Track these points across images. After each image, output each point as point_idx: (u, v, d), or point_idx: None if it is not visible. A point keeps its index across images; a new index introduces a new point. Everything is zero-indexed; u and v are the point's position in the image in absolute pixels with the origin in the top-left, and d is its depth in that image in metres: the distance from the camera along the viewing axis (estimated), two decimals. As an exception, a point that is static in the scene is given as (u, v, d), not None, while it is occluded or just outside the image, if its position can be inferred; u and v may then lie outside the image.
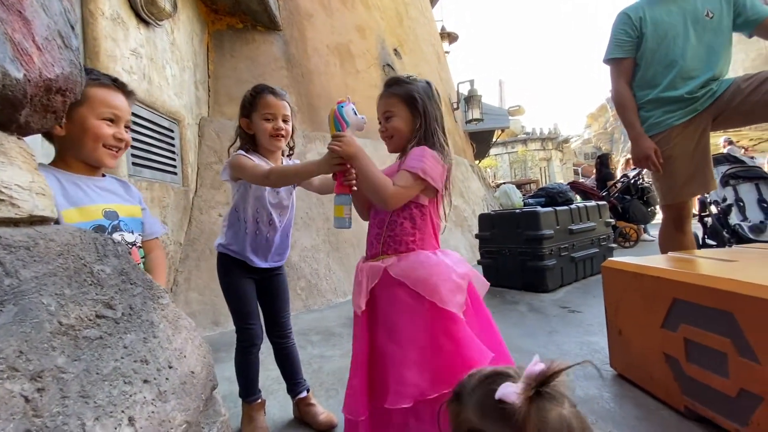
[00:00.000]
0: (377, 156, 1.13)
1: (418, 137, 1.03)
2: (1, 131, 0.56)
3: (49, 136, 0.93)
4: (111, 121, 0.95)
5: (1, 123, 0.56)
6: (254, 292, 1.37)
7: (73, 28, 0.68)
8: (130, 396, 0.49)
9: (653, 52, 1.87)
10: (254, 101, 1.28)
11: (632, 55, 1.92)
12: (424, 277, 0.93)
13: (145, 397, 0.51)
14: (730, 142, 7.44)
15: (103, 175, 1.03)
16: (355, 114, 1.02)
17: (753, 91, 1.68)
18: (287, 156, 1.42)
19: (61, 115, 0.65)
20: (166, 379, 0.57)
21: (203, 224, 3.00)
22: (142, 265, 1.02)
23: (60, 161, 0.95)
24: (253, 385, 1.37)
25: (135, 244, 1.00)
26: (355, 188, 1.02)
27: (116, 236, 0.95)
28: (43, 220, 0.57)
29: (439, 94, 1.10)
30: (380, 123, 1.09)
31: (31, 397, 0.39)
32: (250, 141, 1.31)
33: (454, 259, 1.01)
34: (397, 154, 1.10)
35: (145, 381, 0.53)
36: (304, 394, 1.43)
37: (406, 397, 0.87)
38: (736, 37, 1.84)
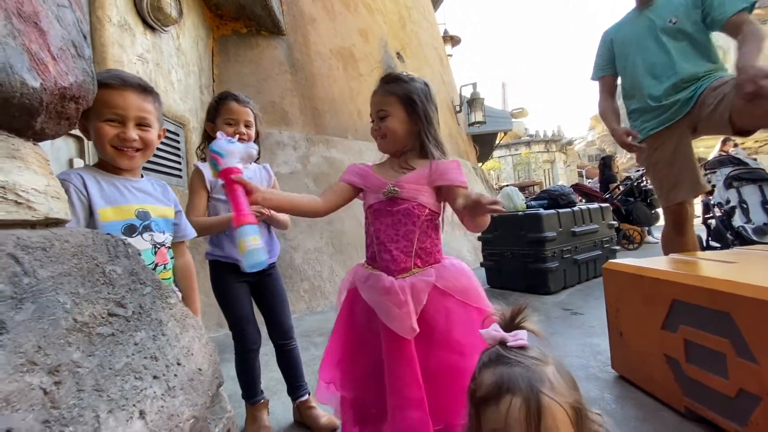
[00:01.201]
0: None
1: (419, 142, 1.00)
2: (18, 137, 0.59)
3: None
4: (116, 121, 0.93)
5: (18, 129, 0.59)
6: (248, 296, 1.38)
7: (85, 37, 0.71)
8: (141, 391, 0.51)
9: (623, 68, 2.03)
10: (218, 107, 1.35)
11: (611, 72, 2.10)
12: (467, 286, 0.94)
13: (155, 392, 0.53)
14: (732, 144, 7.41)
15: (141, 176, 1.05)
16: (231, 143, 0.95)
17: (713, 109, 1.71)
18: (255, 162, 1.42)
19: (74, 121, 0.68)
20: (175, 375, 0.59)
21: (208, 227, 3.03)
22: (171, 265, 1.03)
23: (100, 163, 0.99)
24: (254, 386, 1.39)
25: (164, 245, 1.02)
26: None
27: (146, 236, 0.98)
28: (57, 222, 0.59)
29: (435, 94, 1.06)
30: (372, 120, 1.03)
31: (49, 390, 0.41)
32: None
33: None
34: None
35: (155, 377, 0.56)
36: (305, 397, 1.44)
37: None
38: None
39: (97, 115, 0.92)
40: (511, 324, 0.63)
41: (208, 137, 1.39)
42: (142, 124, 0.97)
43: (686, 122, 1.83)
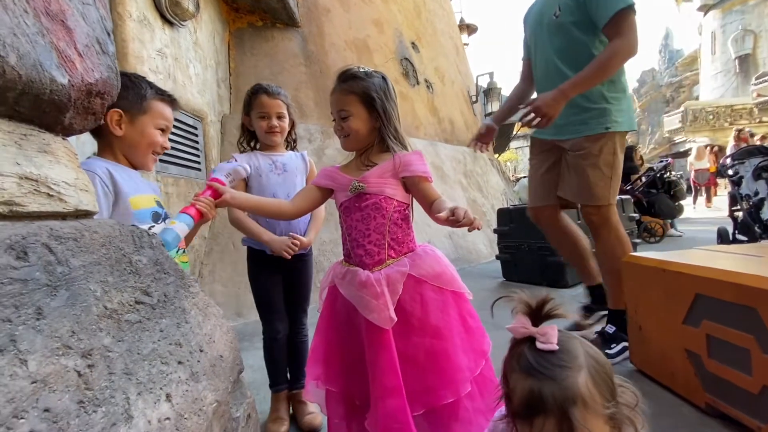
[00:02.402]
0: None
1: (384, 136, 1.01)
2: (48, 132, 0.61)
3: (96, 132, 1.00)
4: (162, 131, 1.05)
5: (49, 125, 0.61)
6: (278, 284, 1.41)
7: (109, 34, 0.73)
8: (167, 375, 0.54)
9: (533, 60, 1.87)
10: (251, 101, 1.38)
11: (527, 56, 1.94)
12: (440, 271, 0.98)
13: (179, 377, 0.56)
14: (749, 134, 7.14)
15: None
16: (228, 162, 1.11)
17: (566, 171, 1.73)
18: (291, 149, 1.49)
19: (100, 116, 0.70)
20: (198, 361, 0.61)
21: (226, 219, 3.10)
22: (184, 251, 1.07)
23: (109, 155, 1.00)
24: (275, 374, 1.43)
25: None
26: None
27: (168, 222, 1.02)
28: (86, 214, 0.62)
29: (393, 88, 1.05)
30: (334, 120, 1.05)
31: (83, 372, 0.43)
32: (251, 136, 1.45)
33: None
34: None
35: (180, 362, 0.58)
36: (299, 390, 1.45)
37: (467, 382, 0.91)
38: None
39: (153, 122, 1.02)
40: (538, 315, 0.62)
41: (246, 130, 1.45)
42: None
43: (559, 147, 1.77)
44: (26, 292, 0.42)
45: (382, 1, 5.26)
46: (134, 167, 1.04)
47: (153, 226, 0.96)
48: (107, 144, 1.00)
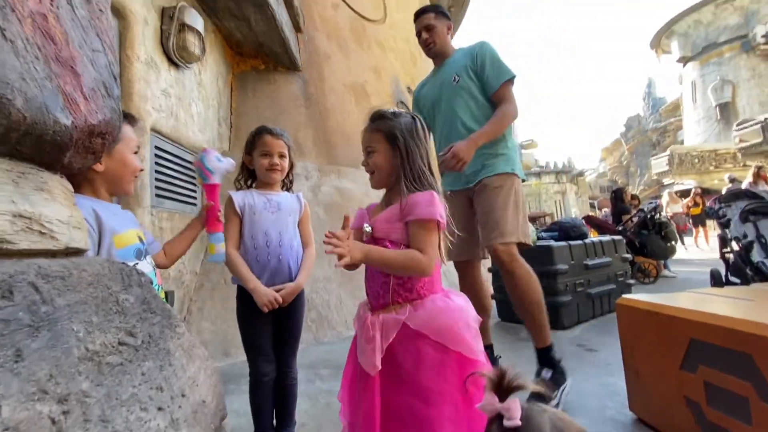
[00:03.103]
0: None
1: (401, 175, 0.99)
2: (47, 171, 0.63)
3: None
4: (135, 152, 1.05)
5: (48, 163, 0.63)
6: (267, 323, 1.38)
7: (115, 79, 0.76)
8: (145, 422, 0.52)
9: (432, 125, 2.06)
10: (254, 140, 1.43)
11: None
12: (446, 325, 0.89)
13: (158, 425, 0.53)
14: (733, 180, 7.30)
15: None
16: (219, 160, 1.13)
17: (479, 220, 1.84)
18: (286, 189, 1.54)
19: (99, 155, 0.72)
20: (179, 407, 0.59)
21: (219, 254, 3.07)
22: (160, 288, 1.05)
23: (89, 191, 0.99)
24: (258, 419, 1.36)
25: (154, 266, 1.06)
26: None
27: (148, 258, 1.02)
28: (77, 252, 0.62)
29: (424, 128, 1.06)
30: (364, 156, 1.08)
31: (57, 419, 0.42)
32: (250, 175, 1.50)
33: (465, 299, 0.98)
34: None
35: (160, 408, 0.56)
36: None
37: None
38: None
39: (128, 148, 1.03)
40: (501, 388, 0.61)
41: (246, 169, 1.49)
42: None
43: (468, 194, 1.92)
44: (7, 332, 0.42)
45: (380, 49, 5.56)
46: (115, 195, 1.05)
47: (136, 264, 0.95)
48: (85, 180, 0.98)
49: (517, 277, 1.75)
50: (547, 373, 1.70)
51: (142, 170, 1.09)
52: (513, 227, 1.76)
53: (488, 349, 1.87)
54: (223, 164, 1.16)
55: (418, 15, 2.01)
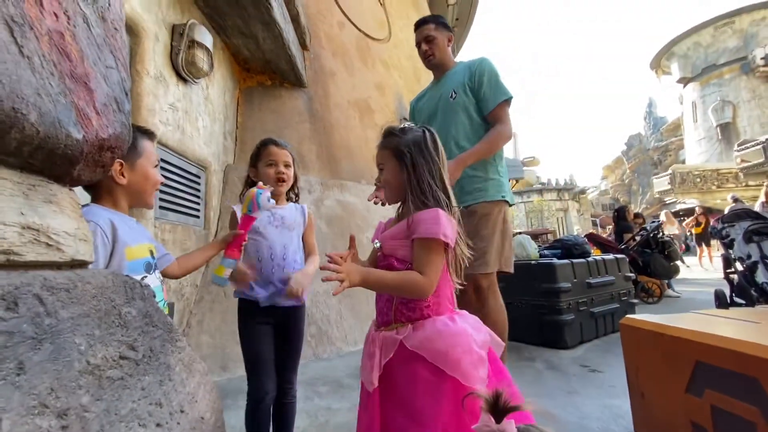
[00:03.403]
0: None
1: (409, 191, 0.98)
2: (56, 183, 0.64)
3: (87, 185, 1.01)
4: (155, 167, 1.09)
5: (58, 176, 0.64)
6: (269, 337, 1.36)
7: (127, 94, 0.78)
8: (143, 439, 0.51)
9: None
10: (260, 152, 1.45)
11: None
12: (444, 349, 0.86)
13: (156, 441, 0.53)
14: (736, 200, 7.30)
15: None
16: (268, 201, 1.20)
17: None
18: (294, 202, 1.53)
19: (108, 169, 0.73)
20: (178, 423, 0.58)
21: (220, 267, 3.07)
22: (164, 303, 1.05)
23: (109, 202, 1.00)
24: None
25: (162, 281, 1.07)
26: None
27: (156, 273, 1.03)
28: (82, 264, 0.62)
29: (436, 141, 1.03)
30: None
31: (55, 434, 0.41)
32: None
33: (472, 323, 0.95)
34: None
35: (158, 425, 0.55)
36: None
37: None
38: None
39: (149, 162, 1.06)
40: (497, 410, 0.61)
41: (250, 182, 1.48)
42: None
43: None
44: (11, 345, 0.42)
45: (384, 67, 5.66)
46: (136, 207, 1.07)
47: (145, 277, 0.96)
48: (106, 192, 1.00)
49: (489, 307, 1.77)
50: None
51: (163, 183, 1.12)
52: (497, 257, 1.78)
53: None
54: (269, 205, 1.21)
55: (419, 25, 2.00)
